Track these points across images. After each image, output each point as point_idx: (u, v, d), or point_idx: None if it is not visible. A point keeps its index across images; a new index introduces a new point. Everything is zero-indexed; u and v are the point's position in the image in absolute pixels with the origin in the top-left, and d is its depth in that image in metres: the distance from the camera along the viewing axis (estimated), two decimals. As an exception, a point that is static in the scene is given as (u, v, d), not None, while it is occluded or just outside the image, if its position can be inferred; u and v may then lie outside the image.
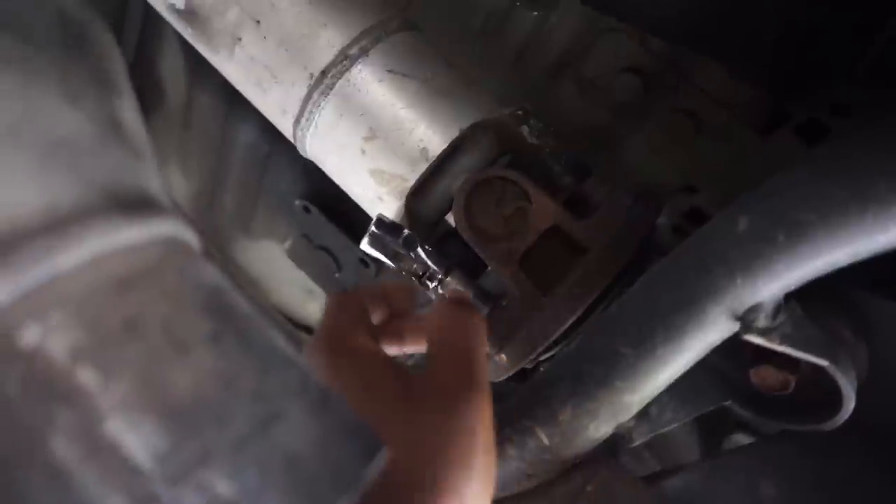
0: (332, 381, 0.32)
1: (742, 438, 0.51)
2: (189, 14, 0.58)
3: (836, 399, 0.39)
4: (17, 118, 0.20)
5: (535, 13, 0.70)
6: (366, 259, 0.82)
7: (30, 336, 0.17)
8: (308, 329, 1.00)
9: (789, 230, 0.32)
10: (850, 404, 0.38)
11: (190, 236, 0.24)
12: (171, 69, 0.92)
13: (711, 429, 0.56)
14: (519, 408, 0.41)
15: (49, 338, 0.18)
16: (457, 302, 0.40)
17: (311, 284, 0.95)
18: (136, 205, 0.22)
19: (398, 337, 0.44)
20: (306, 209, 0.82)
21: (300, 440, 0.19)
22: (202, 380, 0.19)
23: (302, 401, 0.20)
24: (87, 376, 0.17)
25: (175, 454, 0.17)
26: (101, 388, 0.17)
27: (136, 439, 0.17)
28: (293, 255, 0.91)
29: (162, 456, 0.17)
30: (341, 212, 0.82)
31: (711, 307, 0.36)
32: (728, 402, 0.43)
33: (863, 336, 0.39)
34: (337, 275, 0.87)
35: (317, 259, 0.87)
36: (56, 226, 0.19)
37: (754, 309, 0.35)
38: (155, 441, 0.17)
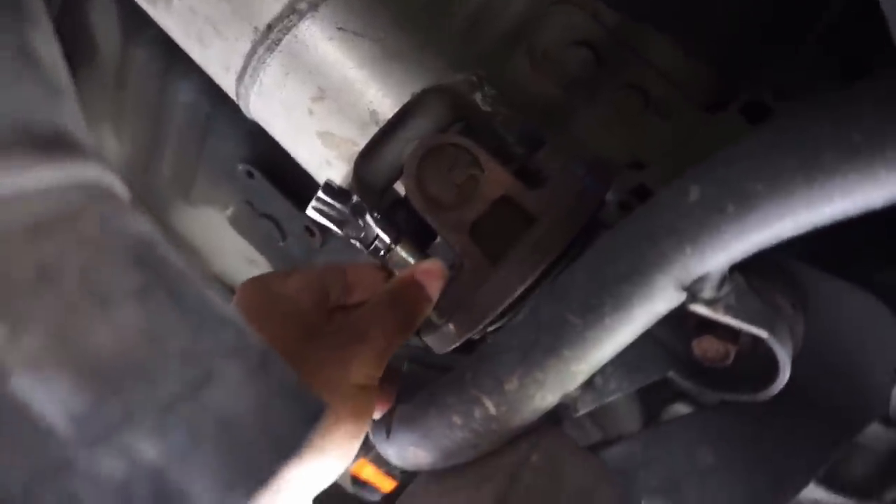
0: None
1: (681, 408, 0.52)
2: (123, -43, 0.54)
3: (772, 370, 0.40)
4: None
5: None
6: (312, 228, 0.79)
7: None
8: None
9: (739, 200, 0.33)
10: (785, 374, 0.39)
11: (116, 184, 0.22)
12: (102, 20, 0.86)
13: (652, 399, 0.57)
14: (466, 377, 0.41)
15: (-53, 285, 0.16)
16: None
17: (254, 254, 0.92)
18: (52, 144, 0.20)
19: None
20: (249, 174, 0.79)
21: (235, 402, 0.18)
22: (125, 336, 0.17)
23: (238, 361, 0.19)
24: (-10, 328, 0.15)
25: (93, 415, 0.16)
26: (6, 342, 0.15)
27: (47, 398, 0.15)
28: (235, 222, 0.87)
29: (77, 417, 0.15)
30: (287, 177, 0.79)
31: (660, 277, 0.36)
32: (670, 373, 0.44)
33: (801, 308, 0.40)
34: (281, 244, 0.84)
35: (260, 227, 0.84)
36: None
37: (701, 279, 0.36)
38: (69, 400, 0.15)
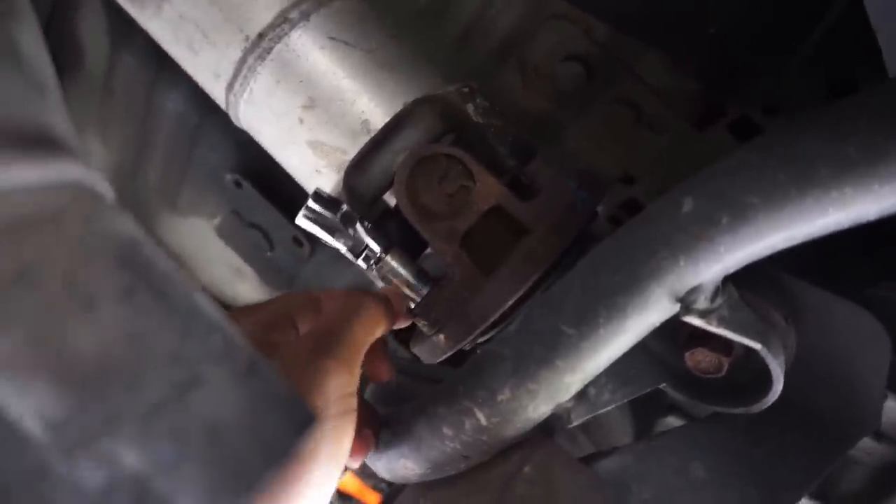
0: None
1: (674, 421, 0.51)
2: (112, -37, 0.54)
3: (765, 382, 0.39)
4: None
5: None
6: (300, 238, 0.79)
7: None
8: (236, 311, 0.96)
9: (733, 213, 0.33)
10: (778, 387, 0.39)
11: (101, 184, 0.21)
12: (91, 26, 0.85)
13: (644, 412, 0.57)
14: (456, 388, 0.40)
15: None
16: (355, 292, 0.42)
17: (240, 263, 0.91)
18: (35, 142, 0.19)
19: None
20: (237, 184, 0.78)
21: (223, 409, 0.17)
22: (109, 339, 0.17)
23: (226, 366, 0.18)
24: (-34, 329, 0.15)
25: (73, 421, 0.15)
26: (-16, 344, 0.15)
27: (23, 403, 0.14)
28: (223, 232, 0.87)
29: (56, 423, 0.15)
30: (275, 187, 0.78)
31: (654, 288, 0.35)
32: (663, 385, 0.44)
33: (793, 321, 0.40)
34: (269, 254, 0.83)
35: (248, 237, 0.83)
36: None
37: (695, 291, 0.36)
38: (47, 405, 0.15)
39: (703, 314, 0.36)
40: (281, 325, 0.40)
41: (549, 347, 0.37)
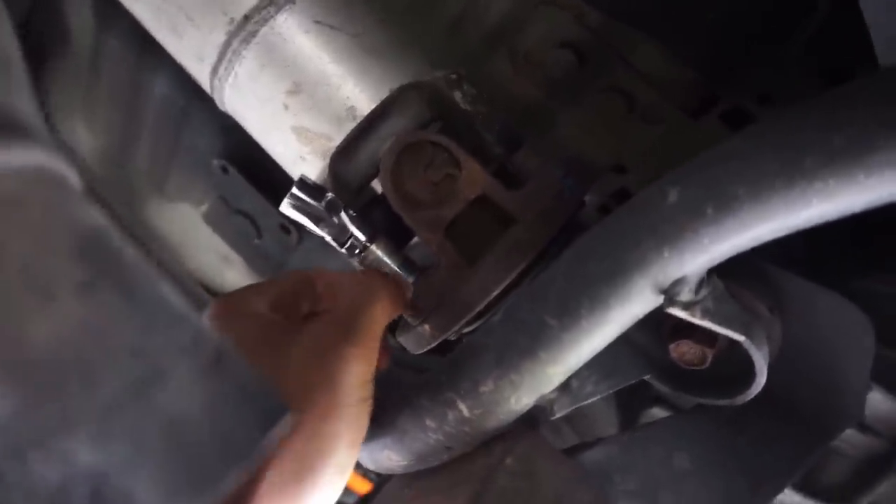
0: None
1: (658, 412, 0.51)
2: (93, -57, 0.52)
3: (748, 374, 0.39)
4: None
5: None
6: (287, 225, 0.78)
7: None
8: (225, 298, 0.95)
9: (718, 203, 0.32)
10: (761, 378, 0.39)
11: (67, 171, 0.20)
12: (76, 9, 0.83)
13: (629, 403, 0.57)
14: (440, 379, 0.40)
15: None
16: (368, 271, 0.43)
17: (228, 250, 0.90)
18: (-5, 128, 0.18)
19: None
20: (224, 169, 0.77)
21: (185, 404, 0.17)
22: (66, 332, 0.16)
23: (190, 360, 0.18)
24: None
25: (25, 418, 0.14)
26: (-69, 338, 0.14)
27: (-29, 399, 0.14)
28: (210, 219, 0.86)
29: (7, 421, 0.14)
30: (262, 174, 0.77)
31: (637, 279, 0.35)
32: (647, 377, 0.44)
33: (778, 312, 0.40)
34: (256, 241, 0.83)
35: (235, 224, 0.83)
36: None
37: (679, 282, 0.35)
38: (-2, 402, 0.14)
39: (686, 306, 0.36)
40: (290, 307, 0.40)
41: (532, 338, 0.37)
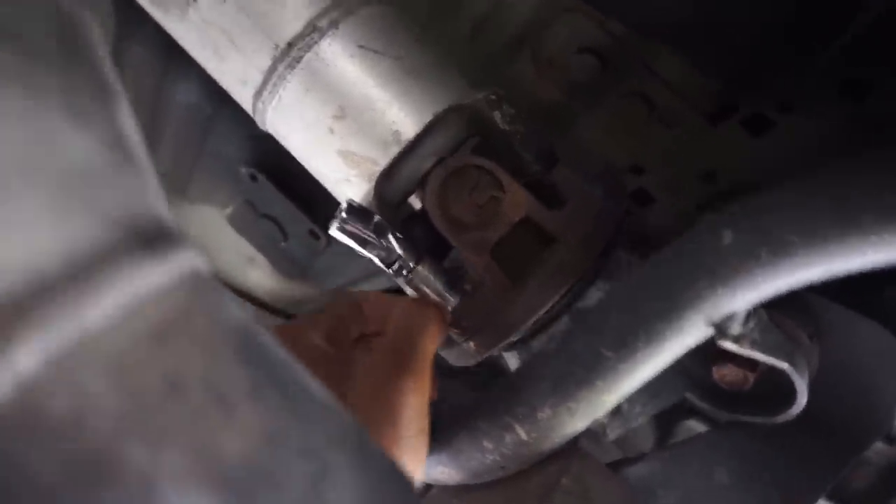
0: None
1: (694, 424, 0.54)
2: (133, -35, 0.53)
3: (788, 394, 0.42)
4: (25, 147, 0.18)
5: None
6: (316, 231, 0.79)
7: (65, 408, 0.16)
8: (248, 297, 0.97)
9: (772, 248, 0.34)
10: (802, 401, 0.41)
11: (205, 264, 0.22)
12: (95, 12, 0.83)
13: (665, 415, 0.60)
14: (498, 403, 0.42)
15: (88, 409, 0.16)
16: (415, 300, 0.43)
17: (252, 252, 0.91)
18: (155, 238, 0.20)
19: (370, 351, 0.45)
20: (253, 177, 0.78)
21: (349, 496, 0.19)
22: (250, 440, 0.18)
23: (345, 451, 0.20)
24: (135, 451, 0.16)
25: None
26: (151, 463, 0.16)
27: (192, 517, 0.16)
28: (235, 222, 0.87)
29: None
30: (290, 179, 0.78)
31: (692, 314, 0.37)
32: (687, 394, 0.46)
33: (816, 338, 0.42)
34: (283, 244, 0.84)
35: (261, 227, 0.84)
36: (80, 274, 0.17)
37: (730, 317, 0.37)
38: (214, 518, 0.16)
39: (736, 339, 0.38)
40: (342, 335, 0.42)
41: (588, 369, 0.39)
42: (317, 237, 0.79)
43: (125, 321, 0.18)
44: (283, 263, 0.86)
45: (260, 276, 0.94)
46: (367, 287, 0.89)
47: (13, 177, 0.17)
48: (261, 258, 0.91)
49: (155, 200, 0.21)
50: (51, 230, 0.17)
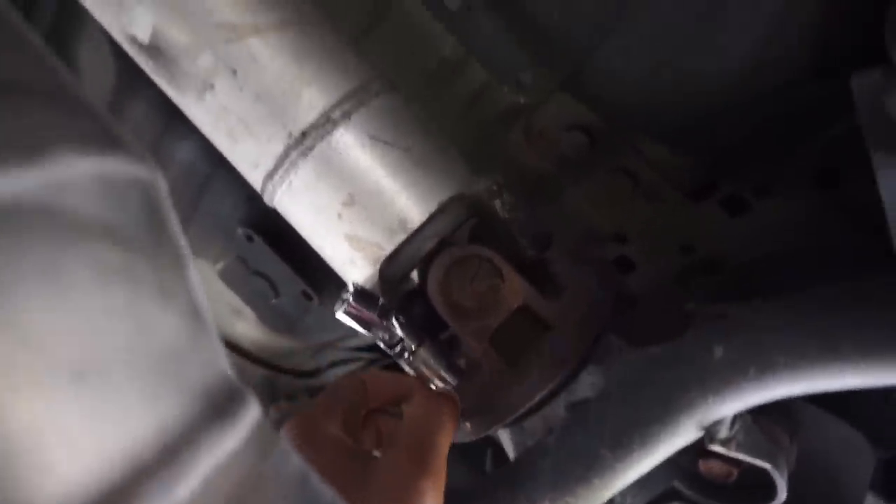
0: None
1: (678, 507, 0.57)
2: (153, 50, 0.54)
3: (770, 488, 0.45)
4: (128, 339, 0.19)
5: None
6: (309, 292, 0.81)
7: None
8: (233, 347, 0.97)
9: (760, 367, 0.37)
10: (782, 496, 0.44)
11: (261, 411, 0.24)
12: (92, 60, 0.84)
13: (654, 502, 0.62)
14: (496, 492, 0.44)
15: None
16: (430, 392, 0.45)
17: (239, 304, 0.92)
18: (227, 401, 0.22)
19: (376, 430, 0.46)
20: (249, 238, 0.79)
21: None
22: None
23: None
24: None
25: None
26: None
27: None
28: (226, 276, 0.88)
29: None
30: (286, 241, 0.80)
31: (684, 420, 0.40)
32: (676, 483, 0.49)
33: (795, 438, 0.45)
34: (274, 301, 0.85)
35: (252, 284, 0.85)
36: (169, 455, 0.19)
37: (718, 422, 0.40)
38: None
39: (724, 442, 0.41)
40: (355, 419, 0.43)
41: (587, 467, 0.42)
42: (309, 298, 0.80)
43: (207, 493, 0.19)
44: (272, 318, 0.87)
45: (246, 327, 0.95)
46: (353, 342, 0.90)
47: (115, 369, 0.19)
48: (248, 311, 0.92)
49: (223, 360, 0.23)
50: (145, 416, 0.19)
